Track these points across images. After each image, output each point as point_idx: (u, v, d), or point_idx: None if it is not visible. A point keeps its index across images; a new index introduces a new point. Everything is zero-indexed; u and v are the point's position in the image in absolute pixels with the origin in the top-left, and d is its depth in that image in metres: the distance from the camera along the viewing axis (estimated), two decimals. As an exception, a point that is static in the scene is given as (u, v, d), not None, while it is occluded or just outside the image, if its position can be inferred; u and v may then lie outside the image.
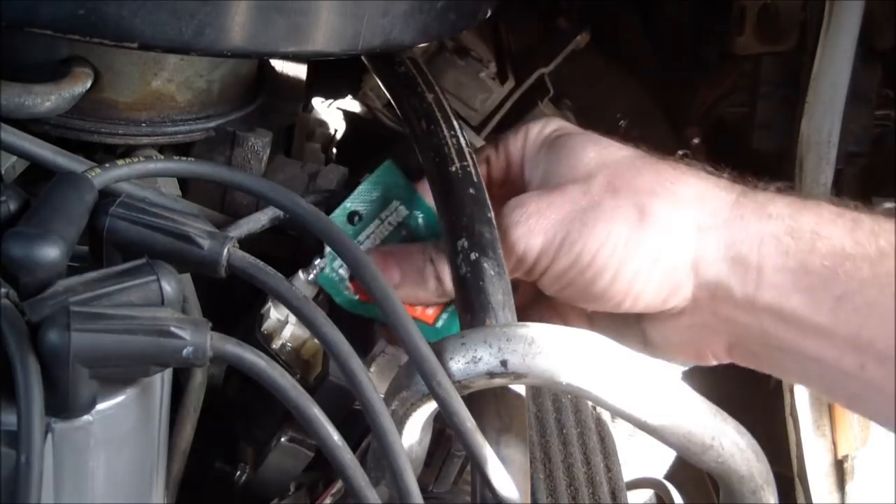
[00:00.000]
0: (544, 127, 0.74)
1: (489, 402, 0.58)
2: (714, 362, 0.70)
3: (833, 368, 0.62)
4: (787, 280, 0.63)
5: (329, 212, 0.75)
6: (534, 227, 0.66)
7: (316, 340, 0.73)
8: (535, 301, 0.74)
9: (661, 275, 0.65)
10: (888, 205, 1.14)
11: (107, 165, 0.57)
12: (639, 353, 0.65)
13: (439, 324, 0.73)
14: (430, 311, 0.73)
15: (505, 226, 0.67)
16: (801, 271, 0.63)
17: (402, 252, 0.71)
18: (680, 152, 0.71)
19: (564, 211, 0.66)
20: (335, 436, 0.51)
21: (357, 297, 0.73)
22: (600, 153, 0.69)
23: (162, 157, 0.77)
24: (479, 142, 1.11)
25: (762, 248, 0.64)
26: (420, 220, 0.75)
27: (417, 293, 0.70)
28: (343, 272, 0.73)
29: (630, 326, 0.71)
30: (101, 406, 0.48)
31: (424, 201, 0.75)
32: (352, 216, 0.75)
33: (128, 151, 0.77)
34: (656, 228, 0.65)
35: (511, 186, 0.74)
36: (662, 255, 0.65)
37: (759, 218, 0.65)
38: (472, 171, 0.69)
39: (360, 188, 0.75)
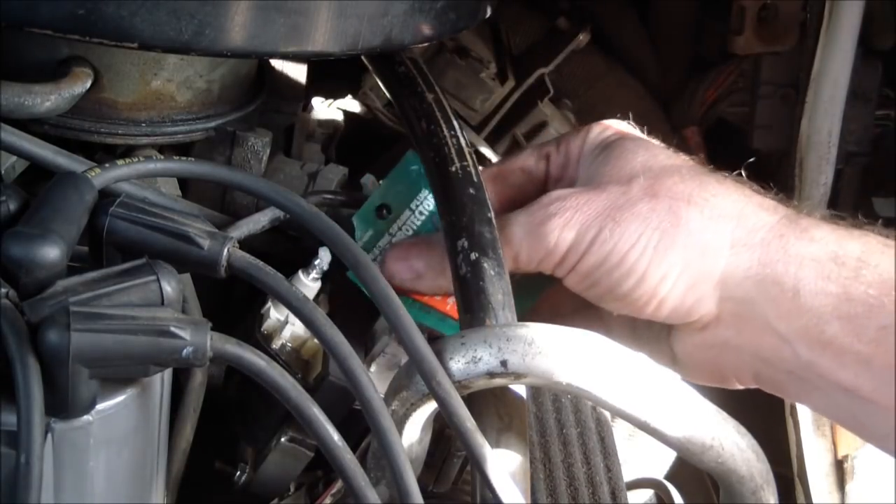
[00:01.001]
0: (605, 129, 0.73)
1: (489, 402, 0.58)
2: (739, 386, 0.68)
3: (867, 401, 0.60)
4: (826, 305, 0.61)
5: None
6: (570, 219, 0.65)
7: (316, 340, 0.73)
8: (577, 310, 0.73)
9: (686, 284, 0.64)
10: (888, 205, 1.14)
11: (107, 165, 0.57)
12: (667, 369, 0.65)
13: None
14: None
15: (540, 217, 0.66)
16: (843, 297, 0.61)
17: (423, 243, 0.71)
18: (735, 172, 0.70)
19: (601, 208, 0.65)
20: (335, 436, 0.51)
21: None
22: (648, 158, 0.68)
23: (162, 157, 0.77)
24: (479, 142, 1.11)
25: (801, 270, 0.62)
26: None
27: (440, 282, 0.69)
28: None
29: (661, 342, 0.70)
30: (101, 406, 0.48)
31: None
32: (380, 209, 0.74)
33: (128, 151, 0.77)
34: (688, 237, 0.64)
35: (566, 184, 0.73)
36: (690, 265, 0.64)
37: (801, 240, 0.63)
38: (472, 171, 0.69)
39: (386, 182, 0.75)
